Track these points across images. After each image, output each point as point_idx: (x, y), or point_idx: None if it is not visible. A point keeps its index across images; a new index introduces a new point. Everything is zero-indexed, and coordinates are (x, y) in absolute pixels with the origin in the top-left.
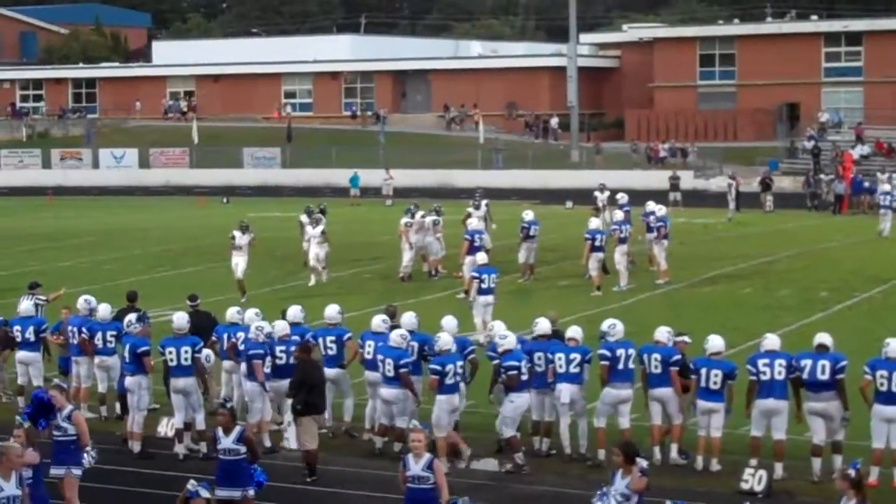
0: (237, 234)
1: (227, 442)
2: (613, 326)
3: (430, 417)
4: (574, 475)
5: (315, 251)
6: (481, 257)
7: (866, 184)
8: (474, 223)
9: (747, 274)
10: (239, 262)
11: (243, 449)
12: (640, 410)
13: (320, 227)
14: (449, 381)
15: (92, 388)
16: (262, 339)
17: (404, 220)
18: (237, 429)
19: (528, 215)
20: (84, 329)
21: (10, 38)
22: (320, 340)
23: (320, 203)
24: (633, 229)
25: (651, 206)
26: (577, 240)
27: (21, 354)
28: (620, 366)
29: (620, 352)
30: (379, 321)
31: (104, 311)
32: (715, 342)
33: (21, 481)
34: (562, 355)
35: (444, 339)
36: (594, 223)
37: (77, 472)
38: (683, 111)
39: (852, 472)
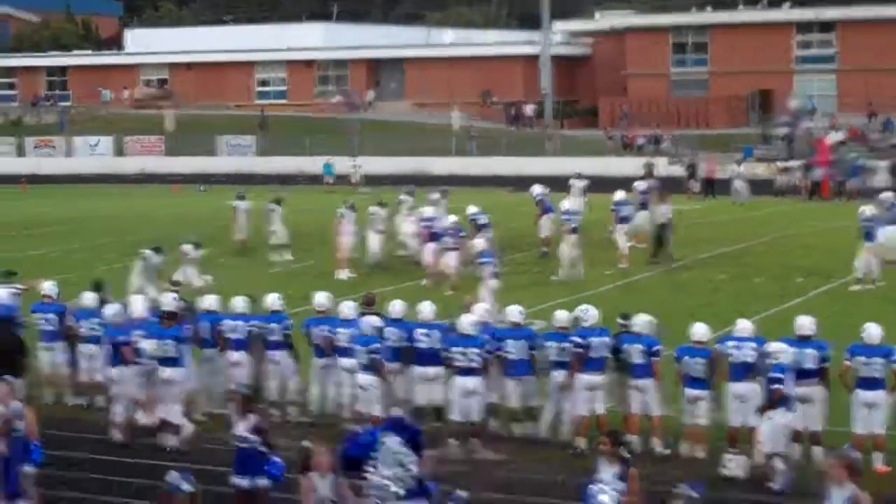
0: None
1: (239, 429)
2: (586, 311)
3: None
4: (557, 461)
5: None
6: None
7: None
8: (428, 211)
9: (722, 261)
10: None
11: (257, 438)
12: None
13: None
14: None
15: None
16: None
17: (372, 208)
18: (251, 416)
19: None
20: (55, 315)
21: None
22: (314, 330)
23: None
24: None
25: (618, 195)
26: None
27: None
28: (593, 353)
29: (593, 339)
30: (351, 307)
31: (88, 299)
32: (699, 330)
33: None
34: (554, 343)
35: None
36: (566, 204)
37: (30, 468)
38: (656, 99)
39: (851, 458)
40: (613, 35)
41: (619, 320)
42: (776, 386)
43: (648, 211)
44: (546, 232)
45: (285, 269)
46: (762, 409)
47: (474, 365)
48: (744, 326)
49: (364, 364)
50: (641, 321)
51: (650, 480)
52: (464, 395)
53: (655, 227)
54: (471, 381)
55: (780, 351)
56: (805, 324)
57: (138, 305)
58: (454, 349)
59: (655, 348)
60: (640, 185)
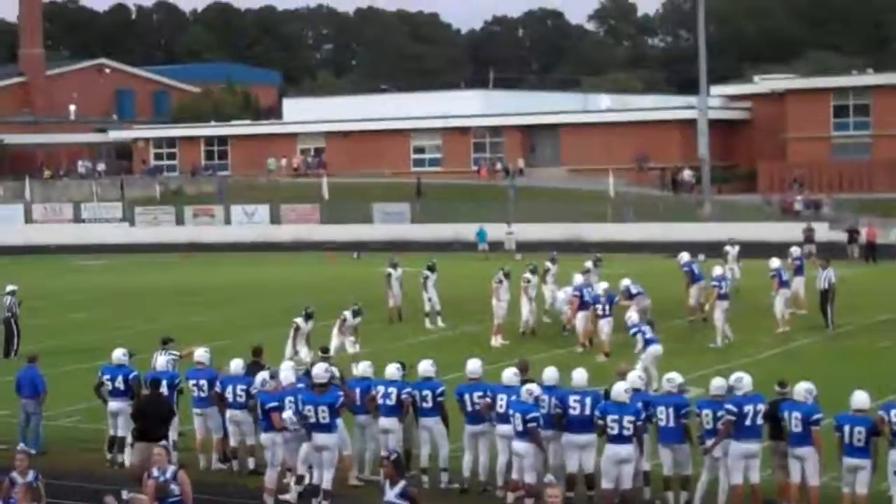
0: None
1: (390, 495)
2: (740, 380)
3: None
4: None
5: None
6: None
7: None
8: (579, 279)
9: (886, 328)
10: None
11: None
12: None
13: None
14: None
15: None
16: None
17: (525, 275)
18: (401, 483)
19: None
20: (207, 382)
21: (144, 98)
22: (466, 397)
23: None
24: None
25: (774, 262)
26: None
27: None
28: (748, 422)
29: (748, 408)
30: (510, 374)
31: (236, 366)
32: (860, 398)
33: None
34: (709, 412)
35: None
36: (718, 271)
37: None
38: (817, 163)
39: None
40: (773, 98)
41: (776, 388)
42: None
43: (804, 277)
44: (694, 300)
45: (440, 336)
46: None
47: (627, 433)
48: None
49: (520, 431)
50: (801, 389)
51: None
52: (616, 463)
53: (820, 293)
54: (623, 450)
55: None
56: None
57: (288, 373)
58: (608, 417)
59: (815, 417)
60: (794, 251)
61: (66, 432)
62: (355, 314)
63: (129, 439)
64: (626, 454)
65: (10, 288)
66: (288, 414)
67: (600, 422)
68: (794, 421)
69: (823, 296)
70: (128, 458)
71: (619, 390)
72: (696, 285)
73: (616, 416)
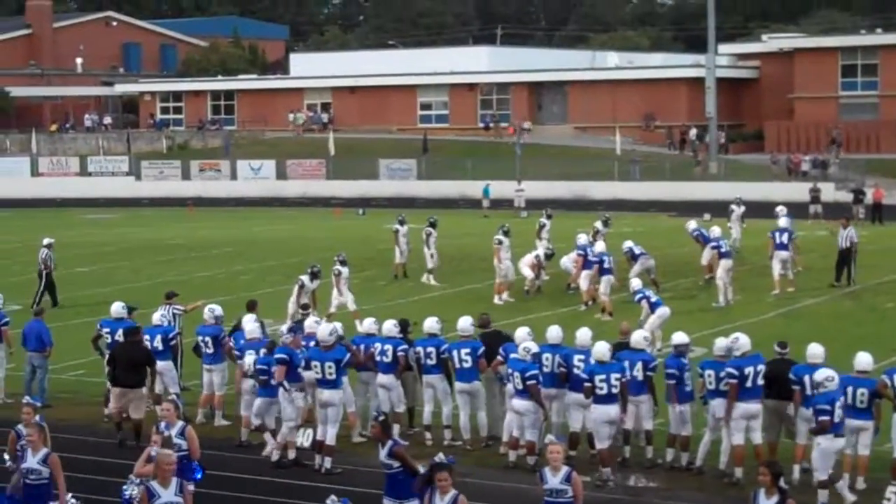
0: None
1: (382, 454)
2: (737, 341)
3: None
4: (712, 491)
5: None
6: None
7: None
8: (583, 238)
9: (891, 288)
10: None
11: (396, 463)
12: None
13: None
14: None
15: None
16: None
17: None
18: (389, 443)
19: (600, 246)
20: (211, 338)
21: (151, 51)
22: (454, 354)
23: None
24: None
25: (782, 221)
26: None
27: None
28: (748, 383)
29: (749, 369)
30: (524, 333)
31: (248, 322)
32: (863, 359)
33: (181, 488)
34: (711, 372)
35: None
36: (716, 231)
37: (189, 486)
38: (824, 122)
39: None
40: (780, 57)
41: (776, 348)
42: (823, 417)
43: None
44: (706, 259)
45: (443, 293)
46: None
47: (615, 391)
48: None
49: (519, 389)
50: (819, 352)
51: None
52: (607, 423)
53: (839, 251)
54: (612, 409)
55: (830, 379)
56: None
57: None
58: (596, 377)
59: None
60: (781, 211)
61: (71, 385)
62: (343, 263)
63: (107, 385)
64: (615, 414)
65: (46, 241)
66: (250, 359)
67: (588, 384)
68: (810, 383)
69: (843, 254)
70: (108, 409)
71: (602, 350)
72: (708, 245)
73: (603, 376)
